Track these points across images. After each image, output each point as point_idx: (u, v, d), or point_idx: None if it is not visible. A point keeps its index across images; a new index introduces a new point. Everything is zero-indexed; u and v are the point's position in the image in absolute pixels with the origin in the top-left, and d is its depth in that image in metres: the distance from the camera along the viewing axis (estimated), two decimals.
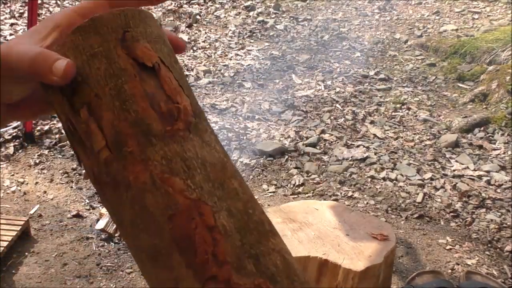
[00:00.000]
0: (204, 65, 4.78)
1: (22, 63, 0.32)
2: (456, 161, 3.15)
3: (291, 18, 6.23)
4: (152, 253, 0.33)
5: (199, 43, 5.41)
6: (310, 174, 3.01)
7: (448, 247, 2.39)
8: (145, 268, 0.35)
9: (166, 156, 0.34)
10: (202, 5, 6.63)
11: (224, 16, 6.30)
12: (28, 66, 0.32)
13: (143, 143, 0.34)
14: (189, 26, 5.89)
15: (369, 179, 2.95)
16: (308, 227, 1.84)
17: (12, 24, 5.16)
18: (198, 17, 6.16)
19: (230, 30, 5.85)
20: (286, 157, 3.18)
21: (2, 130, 3.20)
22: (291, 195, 2.82)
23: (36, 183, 2.86)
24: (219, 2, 6.72)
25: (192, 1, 6.68)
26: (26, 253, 2.25)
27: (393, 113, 3.83)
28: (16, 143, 3.12)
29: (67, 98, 0.35)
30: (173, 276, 0.33)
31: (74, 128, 0.35)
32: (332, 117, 3.74)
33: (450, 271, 2.22)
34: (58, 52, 0.34)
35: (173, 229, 0.33)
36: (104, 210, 2.52)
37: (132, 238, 0.35)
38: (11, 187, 2.80)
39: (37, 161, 3.03)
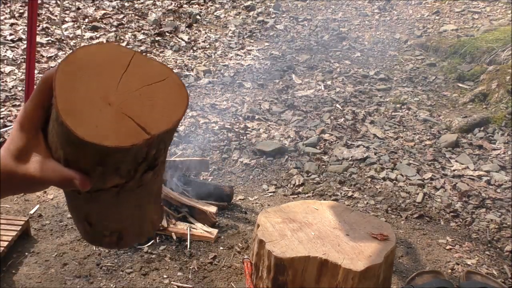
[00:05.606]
0: (204, 65, 4.78)
1: (55, 178, 0.50)
2: (456, 161, 3.15)
3: (291, 18, 6.23)
4: None
5: (199, 43, 5.41)
6: (310, 174, 3.01)
7: (448, 247, 2.39)
8: None
9: None
10: (202, 5, 6.63)
11: (224, 16, 6.30)
12: (59, 180, 0.51)
13: None
14: (189, 26, 5.89)
15: (369, 179, 2.95)
16: (308, 227, 1.84)
17: (12, 24, 5.16)
18: (198, 17, 6.16)
19: (230, 30, 5.85)
20: (286, 157, 3.18)
21: (2, 130, 3.19)
22: (291, 195, 2.81)
23: None
24: (219, 2, 6.72)
25: (192, 1, 6.68)
26: (26, 253, 2.25)
27: (393, 113, 3.83)
28: None
29: None
30: None
31: None
32: (332, 117, 3.74)
33: (450, 271, 2.22)
34: None
35: None
36: None
37: None
38: None
39: None
